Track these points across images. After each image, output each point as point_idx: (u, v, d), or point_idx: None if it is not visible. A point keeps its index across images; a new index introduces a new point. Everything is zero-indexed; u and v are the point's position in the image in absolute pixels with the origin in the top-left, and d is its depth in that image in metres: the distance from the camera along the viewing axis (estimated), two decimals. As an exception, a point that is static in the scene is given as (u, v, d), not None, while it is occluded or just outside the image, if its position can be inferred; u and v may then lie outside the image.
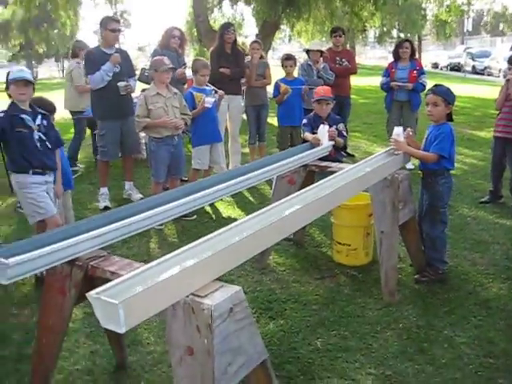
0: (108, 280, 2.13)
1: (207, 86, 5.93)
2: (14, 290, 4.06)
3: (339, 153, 4.80)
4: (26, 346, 3.26)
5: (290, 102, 6.58)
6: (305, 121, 4.76)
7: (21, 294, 4.04)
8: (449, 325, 3.39)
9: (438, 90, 3.86)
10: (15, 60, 40.08)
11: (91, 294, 1.77)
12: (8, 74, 4.30)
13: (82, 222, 2.62)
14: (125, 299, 1.71)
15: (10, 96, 4.02)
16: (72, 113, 7.82)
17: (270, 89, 7.39)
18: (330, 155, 4.40)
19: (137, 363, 3.09)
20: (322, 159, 4.21)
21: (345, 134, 4.75)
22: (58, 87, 21.00)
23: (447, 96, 3.83)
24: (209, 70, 5.91)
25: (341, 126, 4.68)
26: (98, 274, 2.30)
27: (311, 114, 4.87)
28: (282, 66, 6.80)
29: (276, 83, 6.66)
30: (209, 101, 5.68)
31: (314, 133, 4.46)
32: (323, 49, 7.56)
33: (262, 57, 7.36)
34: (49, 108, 4.40)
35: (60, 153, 4.39)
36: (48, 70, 48.17)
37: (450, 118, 3.90)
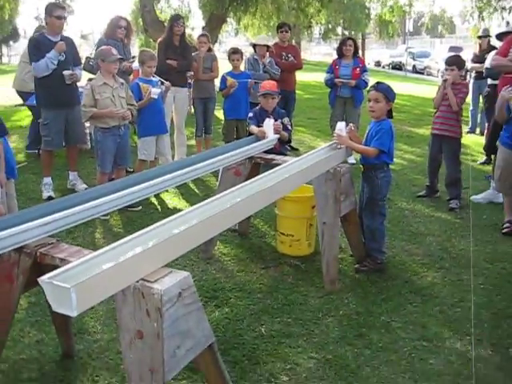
0: (57, 267, 2.15)
1: (153, 77, 5.93)
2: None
3: (284, 146, 4.92)
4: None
5: (236, 95, 6.66)
6: (251, 114, 4.84)
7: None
8: (386, 311, 3.57)
9: (380, 87, 4.04)
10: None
11: (43, 279, 1.80)
12: None
13: (27, 210, 2.62)
14: (77, 283, 1.75)
15: None
16: (20, 93, 7.61)
17: (217, 82, 7.45)
18: (275, 148, 4.51)
19: (83, 351, 3.10)
20: (268, 152, 4.32)
21: (289, 127, 4.88)
22: (-4, 74, 20.28)
23: (388, 93, 4.01)
24: (155, 61, 5.91)
25: (286, 120, 4.80)
26: (46, 260, 2.32)
27: (257, 107, 4.96)
28: (229, 59, 6.86)
29: (223, 76, 6.73)
30: (155, 92, 5.69)
31: (259, 126, 4.55)
32: (270, 43, 7.68)
33: (209, 50, 7.41)
34: None
35: (4, 142, 4.30)
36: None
37: (390, 114, 4.09)
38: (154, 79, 5.90)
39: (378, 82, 4.14)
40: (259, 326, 3.39)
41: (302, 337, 3.27)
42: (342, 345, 3.18)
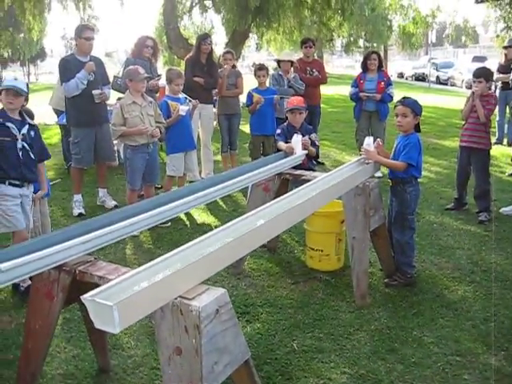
0: (96, 284, 2.23)
1: (181, 94, 6.04)
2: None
3: (311, 161, 4.94)
4: (7, 352, 3.30)
5: (263, 111, 6.71)
6: (278, 131, 4.89)
7: (-2, 301, 4.06)
8: (417, 326, 3.56)
9: (407, 101, 4.06)
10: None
11: (86, 297, 1.86)
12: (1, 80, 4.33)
13: (68, 228, 2.70)
14: (119, 301, 1.81)
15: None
16: (56, 111, 7.90)
17: (242, 98, 7.53)
18: (303, 164, 4.55)
19: (118, 367, 3.16)
20: (296, 167, 4.36)
21: (317, 143, 4.91)
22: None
23: (415, 107, 4.03)
24: (183, 79, 6.04)
25: (313, 136, 4.83)
26: (85, 278, 2.38)
27: (285, 123, 5.00)
28: (255, 75, 6.93)
29: (249, 93, 6.80)
30: (183, 109, 5.80)
31: (287, 142, 4.60)
32: (293, 59, 7.76)
33: (234, 66, 7.51)
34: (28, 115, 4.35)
35: None
36: (13, 74, 47.42)
37: (417, 128, 4.10)
38: (181, 97, 6.01)
39: (404, 97, 4.16)
40: (291, 341, 3.41)
41: (334, 352, 3.27)
42: (375, 360, 3.18)
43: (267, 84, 7.13)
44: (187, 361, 2.07)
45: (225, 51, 7.82)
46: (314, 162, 5.47)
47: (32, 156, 3.99)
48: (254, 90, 6.79)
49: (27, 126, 3.99)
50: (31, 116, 4.46)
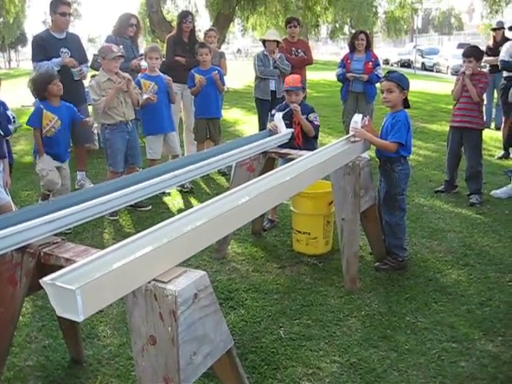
0: (62, 268, 2.00)
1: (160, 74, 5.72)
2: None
3: (310, 142, 4.60)
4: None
5: (206, 92, 6.14)
6: (273, 110, 4.61)
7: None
8: (410, 311, 3.38)
9: (392, 76, 3.86)
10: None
11: (45, 280, 1.64)
12: None
13: (31, 207, 2.46)
14: (83, 285, 1.59)
15: None
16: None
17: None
18: (297, 145, 4.34)
19: (93, 357, 2.94)
20: (290, 148, 4.15)
21: (316, 122, 4.53)
22: (3, 77, 20.25)
23: (401, 81, 3.82)
24: (158, 52, 5.69)
25: (312, 116, 4.50)
26: (51, 261, 2.16)
27: (283, 103, 4.72)
28: (197, 54, 6.25)
29: (190, 74, 6.22)
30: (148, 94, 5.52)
31: (286, 124, 4.34)
32: (279, 39, 7.49)
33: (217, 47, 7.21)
34: None
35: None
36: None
37: (406, 104, 3.89)
38: (157, 75, 5.68)
39: (389, 72, 3.97)
40: (277, 328, 3.21)
41: (323, 339, 3.08)
42: (367, 347, 3.00)
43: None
44: (162, 351, 1.86)
45: (208, 29, 7.53)
46: (315, 145, 5.03)
47: (1, 132, 3.84)
48: (195, 71, 6.22)
49: None
50: None
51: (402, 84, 3.81)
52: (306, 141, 4.46)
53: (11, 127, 4.69)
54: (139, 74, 6.73)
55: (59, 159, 4.80)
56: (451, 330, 3.17)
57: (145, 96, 5.32)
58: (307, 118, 4.43)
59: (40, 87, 4.62)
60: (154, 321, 1.86)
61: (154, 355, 1.88)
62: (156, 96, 5.40)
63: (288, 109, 4.43)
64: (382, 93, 3.88)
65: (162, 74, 5.73)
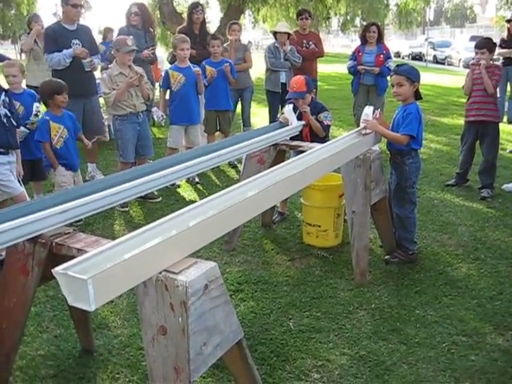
0: (74, 258, 2.01)
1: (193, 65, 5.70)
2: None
3: (319, 142, 4.48)
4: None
5: (215, 84, 6.15)
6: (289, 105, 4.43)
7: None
8: (420, 304, 3.37)
9: (400, 69, 3.81)
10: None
11: (57, 270, 1.65)
12: None
13: (43, 198, 2.48)
14: (94, 275, 1.59)
15: None
16: (30, 88, 7.53)
17: (252, 72, 7.19)
18: (306, 141, 4.30)
19: (103, 347, 2.96)
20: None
21: (326, 122, 4.43)
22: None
23: (410, 74, 3.76)
24: (187, 43, 5.67)
25: (321, 116, 4.41)
26: (63, 251, 2.17)
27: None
28: (208, 45, 6.30)
29: (201, 66, 6.16)
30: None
31: (298, 118, 4.31)
32: (290, 31, 7.45)
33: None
34: None
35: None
36: (4, 52, 46.76)
37: (417, 95, 3.85)
38: (186, 66, 5.66)
39: (398, 65, 3.92)
40: (287, 320, 3.22)
41: (332, 332, 3.09)
42: (376, 340, 3.00)
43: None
44: (173, 341, 1.86)
45: (231, 22, 7.42)
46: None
47: (13, 122, 3.88)
48: (206, 62, 6.23)
49: (3, 93, 3.81)
50: None
51: (412, 77, 3.77)
52: (315, 141, 4.38)
53: (32, 119, 4.64)
54: (152, 66, 6.74)
55: (73, 168, 4.70)
56: (461, 323, 3.16)
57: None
58: (317, 118, 4.38)
59: (47, 94, 4.51)
60: (164, 311, 1.86)
61: (165, 345, 1.89)
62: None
63: (298, 110, 4.38)
64: (393, 86, 3.85)
65: (191, 65, 5.71)
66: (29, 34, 7.14)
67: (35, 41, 7.05)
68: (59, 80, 4.76)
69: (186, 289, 1.80)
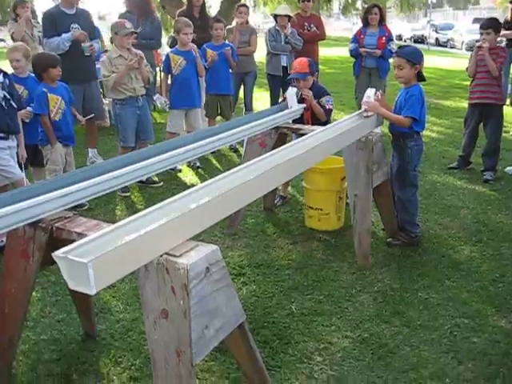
0: (75, 242, 2.00)
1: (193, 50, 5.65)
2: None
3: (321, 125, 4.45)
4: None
5: (216, 68, 6.07)
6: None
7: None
8: (423, 287, 3.37)
9: (402, 51, 3.77)
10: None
11: (57, 254, 1.63)
12: None
13: (43, 182, 2.47)
14: (94, 258, 1.58)
15: None
16: None
17: (256, 56, 7.13)
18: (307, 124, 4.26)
19: (106, 332, 2.97)
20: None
21: (328, 106, 4.41)
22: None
23: (411, 57, 3.71)
24: (192, 28, 5.61)
25: (323, 100, 4.38)
26: (63, 235, 2.15)
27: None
28: (211, 29, 6.26)
29: (202, 49, 6.08)
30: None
31: (299, 101, 4.28)
32: (291, 14, 7.37)
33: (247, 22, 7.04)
34: None
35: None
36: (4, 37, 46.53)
37: (420, 77, 3.81)
38: (189, 50, 5.61)
39: (400, 47, 3.89)
40: (289, 303, 3.21)
41: (335, 315, 3.09)
42: (378, 323, 3.00)
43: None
44: (174, 325, 1.86)
45: (239, 4, 7.32)
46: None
47: (14, 105, 3.81)
48: (207, 46, 6.15)
49: (2, 74, 3.75)
50: None
51: (413, 59, 3.71)
52: (317, 125, 4.35)
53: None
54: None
55: (71, 140, 4.67)
56: (464, 306, 3.15)
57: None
58: (319, 102, 4.35)
59: (41, 67, 4.42)
60: (165, 294, 1.85)
61: (166, 328, 1.88)
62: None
63: (300, 94, 4.35)
64: (395, 69, 3.81)
65: (192, 48, 5.65)
66: (15, 19, 6.91)
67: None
68: (52, 53, 4.72)
69: (187, 272, 1.79)
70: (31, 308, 3.09)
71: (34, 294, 3.10)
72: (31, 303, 3.03)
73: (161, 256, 1.84)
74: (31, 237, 2.24)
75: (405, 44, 4.74)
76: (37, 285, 3.20)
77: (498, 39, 5.74)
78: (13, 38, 6.32)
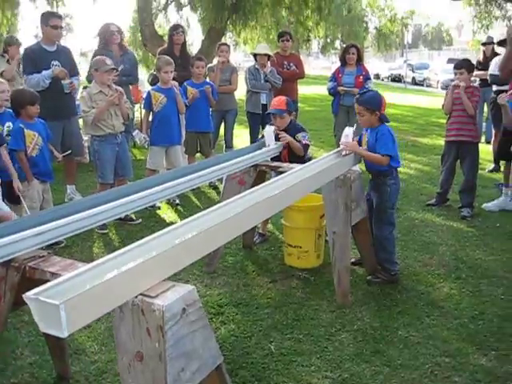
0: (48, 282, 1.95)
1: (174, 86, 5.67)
2: None
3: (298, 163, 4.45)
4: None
5: (196, 105, 6.11)
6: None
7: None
8: (403, 325, 3.35)
9: (360, 99, 3.81)
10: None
11: (29, 295, 1.59)
12: None
13: (19, 219, 2.42)
14: (67, 300, 1.54)
15: None
16: None
17: (237, 94, 7.20)
18: (284, 161, 4.27)
19: (80, 374, 2.88)
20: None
21: (304, 141, 4.42)
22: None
23: (369, 104, 3.75)
24: (173, 66, 5.63)
25: (300, 135, 4.41)
26: (36, 275, 2.11)
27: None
28: (192, 66, 6.28)
29: (183, 86, 6.13)
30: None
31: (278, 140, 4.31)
32: (270, 53, 7.49)
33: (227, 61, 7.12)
34: None
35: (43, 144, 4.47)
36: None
37: (383, 120, 3.83)
38: (170, 88, 5.62)
39: (360, 93, 3.94)
40: (268, 343, 3.16)
41: (314, 354, 3.04)
42: (359, 362, 2.96)
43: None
44: (149, 368, 1.81)
45: (220, 43, 7.42)
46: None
47: None
48: (188, 83, 6.20)
49: None
50: None
51: (372, 106, 3.75)
52: (294, 162, 4.33)
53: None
54: (130, 87, 6.72)
55: (48, 176, 4.61)
56: (444, 344, 3.14)
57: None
58: (295, 138, 4.37)
59: (20, 104, 4.39)
60: (141, 336, 1.81)
61: (141, 372, 1.83)
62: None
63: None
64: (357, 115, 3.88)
65: (173, 86, 5.67)
66: (2, 55, 6.89)
67: None
68: (31, 90, 4.69)
69: (162, 313, 1.76)
70: (1, 350, 2.99)
71: (5, 334, 3.02)
72: (2, 344, 2.95)
73: (136, 297, 1.80)
74: (3, 276, 2.19)
75: (365, 90, 4.79)
76: (9, 325, 3.11)
77: (472, 79, 5.88)
78: (1, 75, 6.29)
